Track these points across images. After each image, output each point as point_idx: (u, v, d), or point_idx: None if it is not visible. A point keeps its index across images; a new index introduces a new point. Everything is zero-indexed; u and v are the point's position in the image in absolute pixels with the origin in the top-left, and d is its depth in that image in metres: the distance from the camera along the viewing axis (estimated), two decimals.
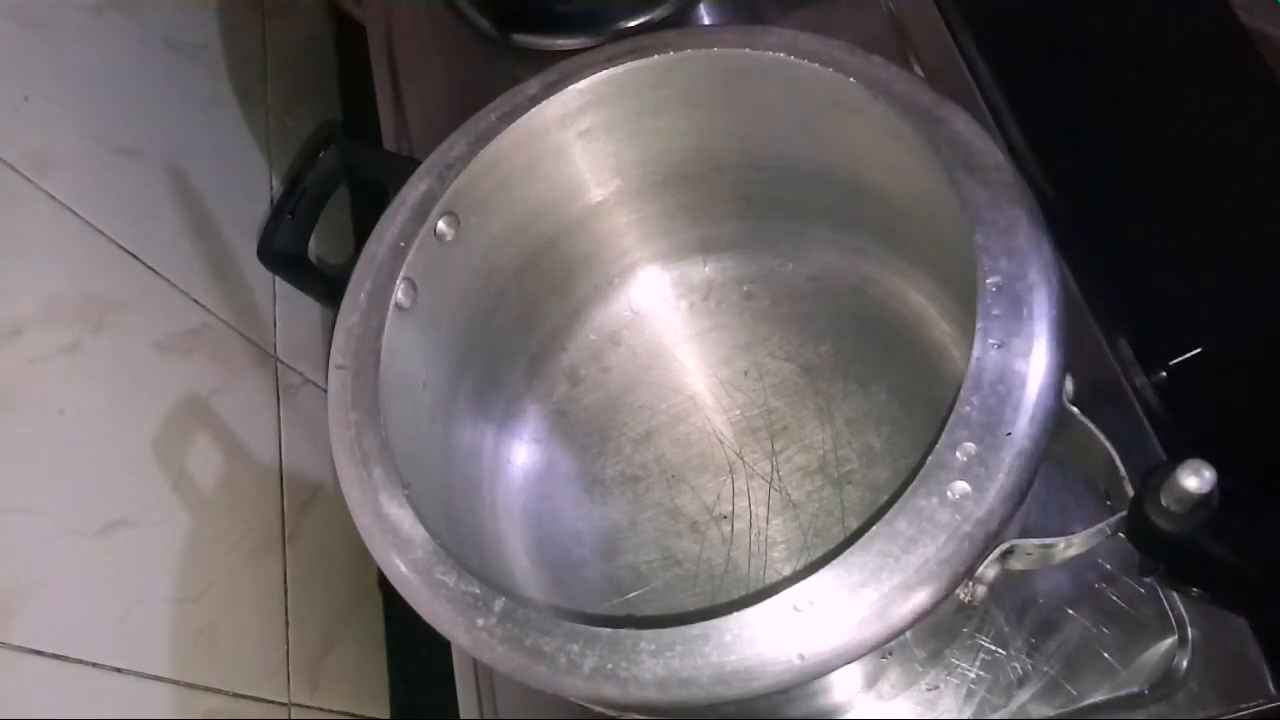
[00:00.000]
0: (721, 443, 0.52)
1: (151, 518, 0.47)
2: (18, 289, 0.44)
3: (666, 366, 0.55)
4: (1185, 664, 0.42)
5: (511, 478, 0.53)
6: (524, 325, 0.53)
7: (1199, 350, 0.47)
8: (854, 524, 0.48)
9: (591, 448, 0.54)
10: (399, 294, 0.42)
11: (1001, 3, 0.61)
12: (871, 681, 0.44)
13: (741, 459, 0.51)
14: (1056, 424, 0.31)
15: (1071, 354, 0.32)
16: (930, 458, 0.30)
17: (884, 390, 0.50)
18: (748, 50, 0.42)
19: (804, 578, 0.30)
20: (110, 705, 0.41)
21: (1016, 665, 0.44)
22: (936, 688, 0.44)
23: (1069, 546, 0.33)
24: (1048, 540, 0.32)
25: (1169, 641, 0.43)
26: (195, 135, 0.63)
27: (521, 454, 0.54)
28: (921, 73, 0.58)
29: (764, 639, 0.30)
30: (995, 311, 0.32)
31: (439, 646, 0.47)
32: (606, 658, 0.31)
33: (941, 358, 0.50)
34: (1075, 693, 0.43)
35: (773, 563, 0.48)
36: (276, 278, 0.61)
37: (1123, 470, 0.32)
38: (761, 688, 0.29)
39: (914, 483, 0.30)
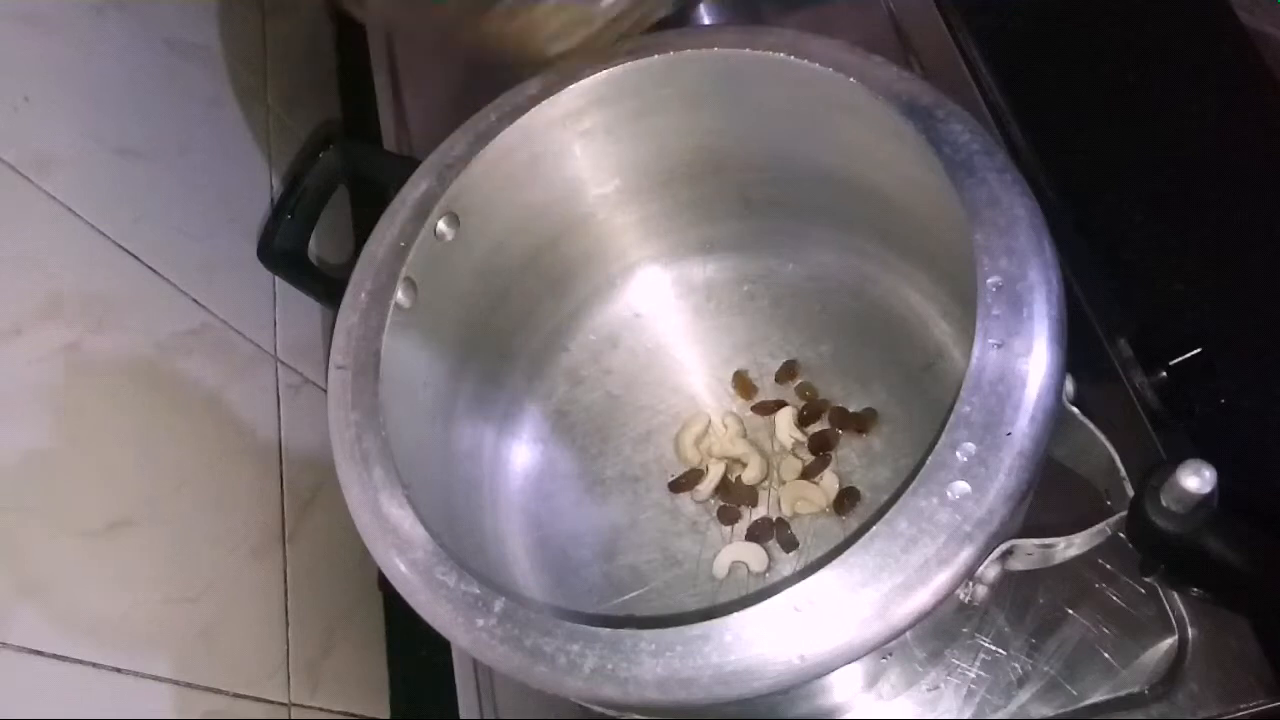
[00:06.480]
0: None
1: (151, 518, 0.47)
2: (18, 289, 0.44)
3: (666, 366, 0.55)
4: (1185, 664, 0.42)
5: (511, 478, 0.53)
6: (524, 325, 0.53)
7: (1199, 350, 0.47)
8: (854, 524, 0.48)
9: (591, 448, 0.54)
10: (399, 294, 0.42)
11: (1001, 3, 0.61)
12: (872, 681, 0.44)
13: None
14: (1056, 424, 0.31)
15: (1071, 354, 0.32)
16: (930, 458, 0.30)
17: (884, 390, 0.50)
18: (748, 50, 0.42)
19: (804, 578, 0.30)
20: (110, 705, 0.41)
21: (1016, 665, 0.44)
22: (937, 688, 0.44)
23: (1069, 546, 0.33)
24: (1048, 540, 0.32)
25: (1169, 641, 0.43)
26: (195, 135, 0.63)
27: (521, 454, 0.54)
28: (921, 73, 0.58)
29: (764, 639, 0.30)
30: (995, 311, 0.32)
31: (439, 646, 0.47)
32: (606, 658, 0.31)
33: (941, 358, 0.50)
34: (1075, 693, 0.43)
35: (773, 563, 0.48)
36: (276, 278, 0.61)
37: (1123, 470, 0.32)
38: (762, 688, 0.29)
39: (914, 483, 0.30)
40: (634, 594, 0.49)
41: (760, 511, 0.49)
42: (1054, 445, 0.31)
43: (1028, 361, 0.31)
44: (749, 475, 0.50)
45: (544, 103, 0.44)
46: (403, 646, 0.66)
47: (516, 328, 0.53)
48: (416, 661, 0.64)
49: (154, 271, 0.53)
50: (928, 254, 0.47)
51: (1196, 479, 0.28)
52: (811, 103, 0.43)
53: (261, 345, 0.61)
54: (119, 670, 0.42)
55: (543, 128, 0.45)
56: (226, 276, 0.59)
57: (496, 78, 0.45)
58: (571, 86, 0.44)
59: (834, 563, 0.30)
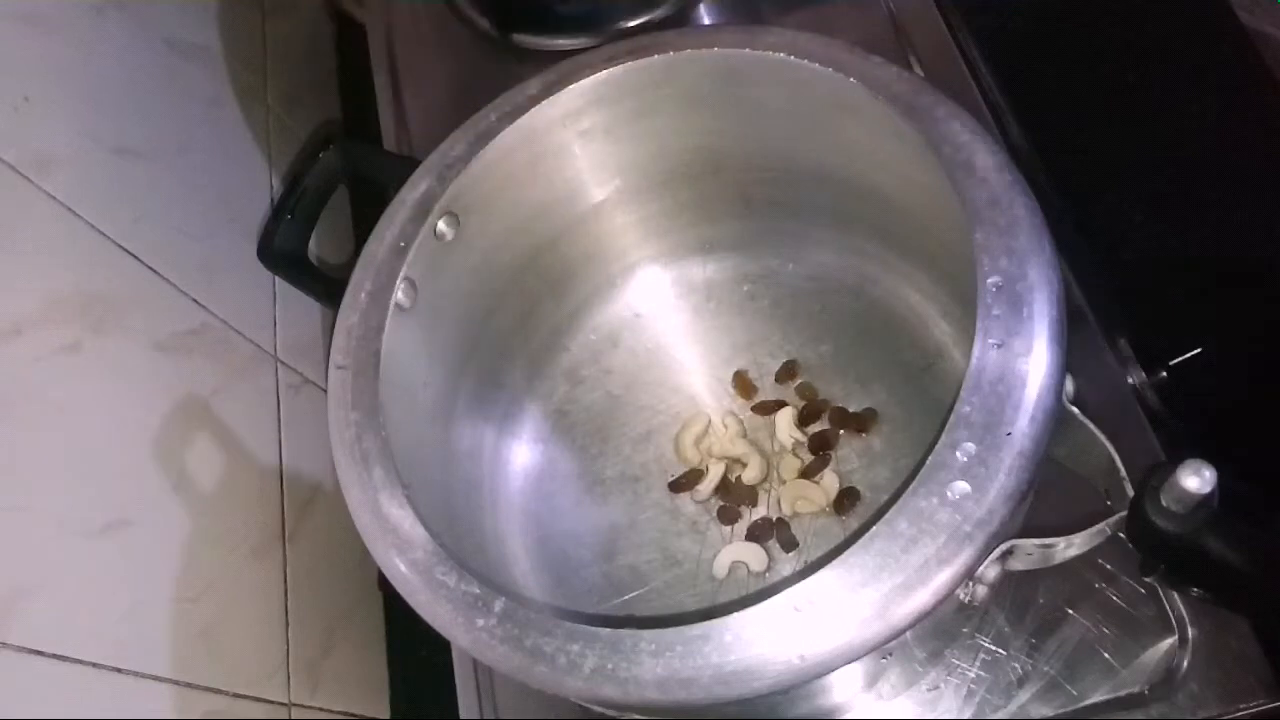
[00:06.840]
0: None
1: (151, 518, 0.47)
2: (18, 289, 0.44)
3: (666, 366, 0.55)
4: (1185, 664, 0.42)
5: (511, 478, 0.53)
6: (524, 325, 0.53)
7: (1199, 350, 0.47)
8: (854, 524, 0.48)
9: (591, 448, 0.54)
10: (399, 294, 0.42)
11: (1001, 3, 0.61)
12: (872, 681, 0.44)
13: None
14: (1056, 424, 0.31)
15: (1071, 354, 0.32)
16: (930, 458, 0.30)
17: (884, 390, 0.50)
18: (748, 50, 0.42)
19: (804, 578, 0.30)
20: (110, 705, 0.41)
21: (1016, 665, 0.44)
22: (937, 688, 0.44)
23: (1069, 546, 0.33)
24: (1048, 540, 0.32)
25: (1169, 641, 0.43)
26: (195, 135, 0.63)
27: (522, 454, 0.54)
28: (921, 73, 0.58)
29: (764, 639, 0.30)
30: (995, 311, 0.32)
31: (439, 646, 0.47)
32: (606, 658, 0.31)
33: (941, 358, 0.50)
34: (1075, 693, 0.43)
35: (773, 563, 0.48)
36: (276, 278, 0.61)
37: (1123, 470, 0.32)
38: (762, 688, 0.30)
39: (914, 483, 0.30)
40: (634, 594, 0.49)
41: (760, 511, 0.49)
42: (1054, 445, 0.31)
43: (1028, 361, 0.31)
44: (749, 475, 0.50)
45: (544, 103, 0.44)
46: (403, 646, 0.66)
47: (516, 328, 0.53)
48: (416, 661, 0.64)
49: (154, 271, 0.53)
50: (928, 254, 0.47)
51: (1196, 479, 0.28)
52: (811, 103, 0.43)
53: (261, 345, 0.61)
54: (119, 670, 0.42)
55: (543, 128, 0.45)
56: (226, 276, 0.59)
57: (496, 78, 0.45)
58: (571, 86, 0.44)
59: (834, 563, 0.30)
